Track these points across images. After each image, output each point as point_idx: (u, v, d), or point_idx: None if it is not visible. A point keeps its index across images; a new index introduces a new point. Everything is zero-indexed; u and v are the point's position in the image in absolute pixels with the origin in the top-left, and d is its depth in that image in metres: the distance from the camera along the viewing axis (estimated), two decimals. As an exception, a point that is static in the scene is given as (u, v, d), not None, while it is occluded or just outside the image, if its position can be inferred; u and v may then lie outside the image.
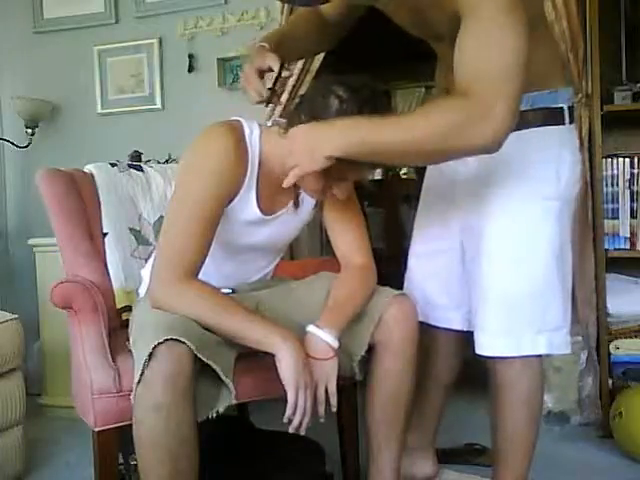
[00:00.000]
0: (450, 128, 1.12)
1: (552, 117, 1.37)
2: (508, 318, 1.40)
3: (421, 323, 1.55)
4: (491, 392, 1.49)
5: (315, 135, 1.20)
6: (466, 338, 1.64)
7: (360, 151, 1.17)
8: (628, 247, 2.15)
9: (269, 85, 1.34)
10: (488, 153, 1.15)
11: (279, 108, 2.11)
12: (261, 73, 1.35)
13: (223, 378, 1.18)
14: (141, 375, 1.10)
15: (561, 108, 1.38)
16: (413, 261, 1.69)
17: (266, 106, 1.37)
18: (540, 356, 1.45)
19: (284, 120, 1.32)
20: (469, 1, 1.12)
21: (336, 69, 1.36)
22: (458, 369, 1.74)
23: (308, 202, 1.46)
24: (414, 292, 1.64)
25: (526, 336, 1.40)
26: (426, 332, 1.60)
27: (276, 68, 1.33)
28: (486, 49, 1.10)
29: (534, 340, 1.40)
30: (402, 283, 1.69)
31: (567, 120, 1.39)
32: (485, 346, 1.43)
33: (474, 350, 1.47)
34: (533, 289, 1.39)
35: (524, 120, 1.26)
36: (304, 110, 1.27)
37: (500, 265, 1.40)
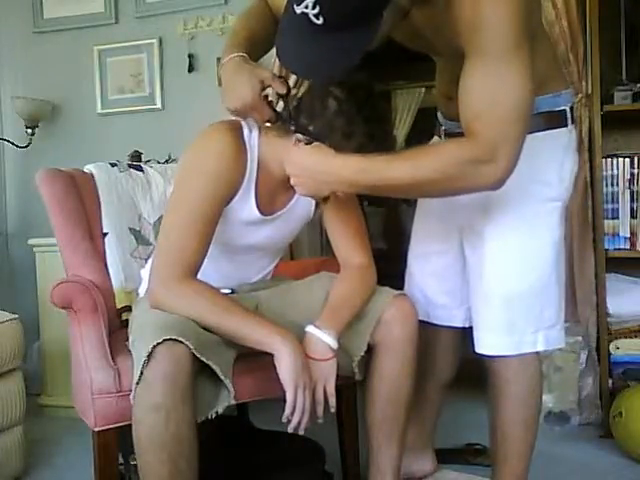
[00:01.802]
0: (457, 170, 1.14)
1: (555, 120, 1.38)
2: (510, 317, 1.41)
3: (421, 322, 1.56)
4: (489, 392, 1.50)
5: (323, 170, 1.22)
6: (465, 335, 1.64)
7: (365, 188, 1.22)
8: (628, 247, 2.15)
9: (274, 102, 1.30)
10: (492, 190, 1.18)
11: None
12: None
13: (222, 378, 1.18)
14: (140, 375, 1.10)
15: (563, 110, 1.39)
16: (413, 261, 1.69)
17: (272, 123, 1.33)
18: (538, 354, 1.46)
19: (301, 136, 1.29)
20: (475, 40, 1.11)
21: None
22: (456, 366, 1.75)
23: (307, 201, 1.46)
24: (414, 291, 1.65)
25: (527, 334, 1.41)
26: (425, 330, 1.61)
27: (283, 91, 1.29)
28: (493, 91, 1.10)
29: (533, 337, 1.41)
30: (402, 283, 1.70)
31: (569, 121, 1.40)
32: (488, 345, 1.44)
33: (474, 349, 1.48)
34: (535, 289, 1.40)
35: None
36: (303, 113, 1.27)
37: (504, 267, 1.40)
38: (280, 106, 1.31)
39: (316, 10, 1.02)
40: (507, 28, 1.09)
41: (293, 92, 1.32)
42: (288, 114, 1.30)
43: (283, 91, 1.29)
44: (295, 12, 1.05)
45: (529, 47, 1.11)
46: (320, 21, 1.03)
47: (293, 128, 1.29)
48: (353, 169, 1.20)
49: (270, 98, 1.29)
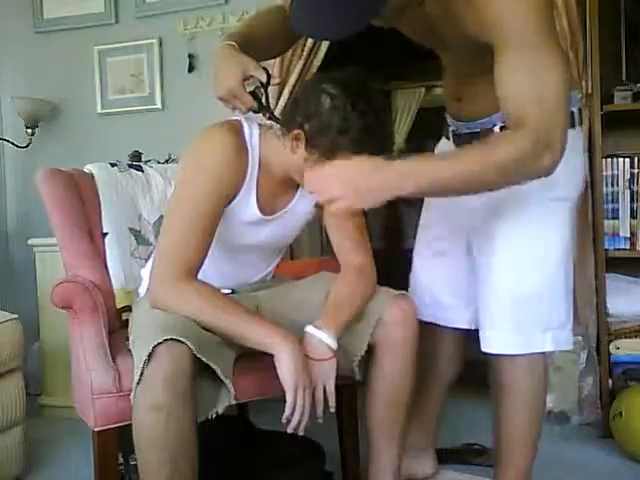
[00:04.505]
0: (516, 164, 1.13)
1: None
2: (519, 316, 1.41)
3: (426, 323, 1.56)
4: (494, 391, 1.50)
5: (376, 179, 1.16)
6: (469, 337, 1.64)
7: (421, 193, 1.20)
8: (628, 247, 2.15)
9: (251, 89, 1.31)
10: (545, 177, 1.17)
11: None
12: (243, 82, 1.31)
13: (223, 378, 1.18)
14: (141, 375, 1.10)
15: (571, 112, 1.39)
16: (418, 262, 1.69)
17: (256, 113, 1.35)
18: (544, 354, 1.46)
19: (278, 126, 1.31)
20: (506, 32, 1.12)
21: (336, 69, 1.35)
22: (460, 368, 1.75)
23: (308, 201, 1.46)
24: (421, 293, 1.65)
25: (535, 334, 1.41)
26: (430, 331, 1.61)
27: (263, 79, 1.30)
28: (538, 82, 1.11)
29: (542, 337, 1.42)
30: (402, 283, 1.69)
31: (577, 123, 1.41)
32: (495, 344, 1.44)
33: (478, 349, 1.48)
34: (544, 288, 1.41)
35: None
36: (298, 111, 1.27)
37: (513, 267, 1.41)
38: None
39: None
40: (536, 17, 1.10)
41: (274, 82, 1.33)
42: (267, 103, 1.32)
43: (263, 79, 1.30)
44: None
45: (557, 36, 1.13)
46: None
47: (267, 116, 1.31)
48: (410, 179, 1.15)
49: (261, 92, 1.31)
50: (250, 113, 1.35)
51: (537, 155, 1.13)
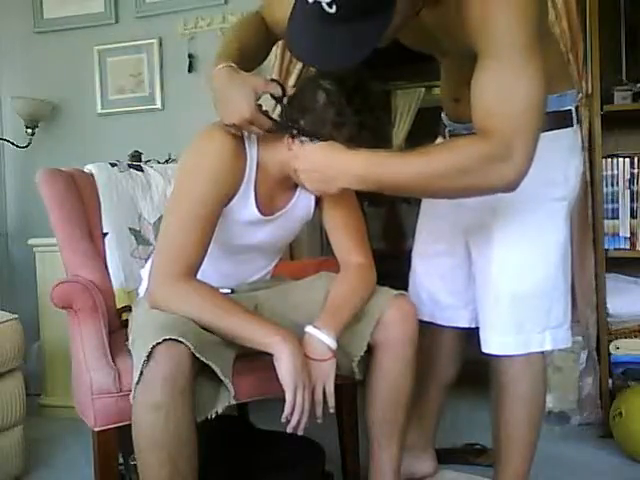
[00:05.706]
0: (470, 164, 1.12)
1: (561, 120, 1.38)
2: (518, 317, 1.41)
3: (426, 322, 1.55)
4: (493, 391, 1.50)
5: (332, 165, 1.21)
6: (468, 337, 1.64)
7: (376, 184, 1.19)
8: (628, 247, 2.15)
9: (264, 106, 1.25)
10: (506, 192, 1.16)
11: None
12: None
13: (222, 378, 1.18)
14: (140, 375, 1.10)
15: (569, 110, 1.39)
16: (418, 261, 1.69)
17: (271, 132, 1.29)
18: (543, 354, 1.46)
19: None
20: (486, 41, 1.11)
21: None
22: (459, 368, 1.75)
23: (307, 201, 1.46)
24: (420, 292, 1.65)
25: (534, 333, 1.41)
26: (429, 331, 1.61)
27: (278, 92, 1.28)
28: (507, 89, 1.10)
29: (540, 337, 1.42)
30: (402, 283, 1.69)
31: (574, 121, 1.41)
32: (494, 344, 1.44)
33: (478, 349, 1.48)
34: (542, 288, 1.41)
35: None
36: (295, 106, 1.27)
37: (511, 267, 1.41)
38: (276, 112, 1.30)
39: None
40: (517, 28, 1.09)
41: (290, 93, 1.31)
42: (286, 119, 1.29)
43: (279, 93, 1.28)
44: (307, 1, 1.06)
45: (539, 46, 1.11)
46: (333, 10, 1.04)
47: (295, 132, 1.28)
48: (363, 163, 1.18)
49: (264, 107, 1.26)
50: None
51: (490, 163, 1.11)
